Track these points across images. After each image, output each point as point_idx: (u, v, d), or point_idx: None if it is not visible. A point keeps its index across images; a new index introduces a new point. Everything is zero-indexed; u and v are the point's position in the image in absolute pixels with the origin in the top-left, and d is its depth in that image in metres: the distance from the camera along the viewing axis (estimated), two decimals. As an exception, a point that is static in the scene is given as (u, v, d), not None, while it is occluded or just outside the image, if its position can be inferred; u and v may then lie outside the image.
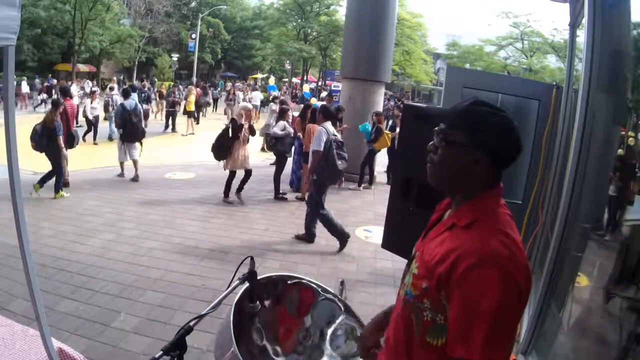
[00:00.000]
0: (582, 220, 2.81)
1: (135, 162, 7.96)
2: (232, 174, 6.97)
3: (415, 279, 1.14)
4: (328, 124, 5.37)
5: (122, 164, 8.20)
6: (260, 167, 10.25)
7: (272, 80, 27.69)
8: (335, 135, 5.30)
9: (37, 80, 23.31)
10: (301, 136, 7.29)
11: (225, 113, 19.08)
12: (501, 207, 1.13)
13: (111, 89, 16.13)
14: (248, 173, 6.97)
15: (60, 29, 27.74)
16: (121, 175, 8.24)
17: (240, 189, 7.02)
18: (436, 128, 1.16)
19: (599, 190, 2.73)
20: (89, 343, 3.06)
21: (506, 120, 1.11)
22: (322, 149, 5.12)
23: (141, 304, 3.70)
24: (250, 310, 1.61)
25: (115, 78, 21.34)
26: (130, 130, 7.78)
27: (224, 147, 6.71)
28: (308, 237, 5.48)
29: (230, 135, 6.64)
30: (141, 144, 8.06)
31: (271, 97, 16.19)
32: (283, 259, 4.88)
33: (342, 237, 5.26)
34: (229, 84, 27.20)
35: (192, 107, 14.69)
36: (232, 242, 5.27)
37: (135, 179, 7.99)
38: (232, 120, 6.84)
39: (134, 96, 9.30)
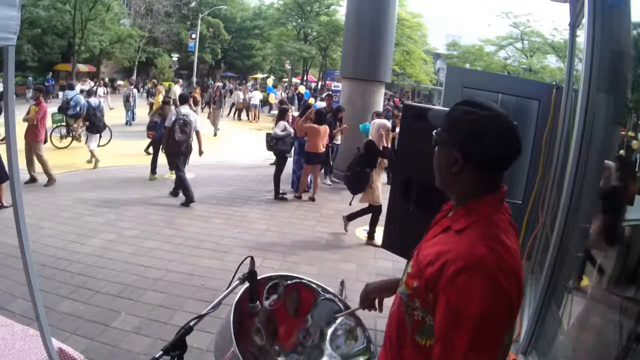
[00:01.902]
0: (582, 220, 2.81)
1: (92, 152, 9.03)
2: (378, 210, 5.46)
3: (408, 277, 1.15)
4: (182, 107, 6.86)
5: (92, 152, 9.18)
6: (260, 167, 10.27)
7: (270, 81, 27.34)
8: (185, 116, 6.64)
9: (29, 79, 23.33)
10: (302, 127, 7.25)
11: (209, 117, 15.70)
12: (499, 212, 1.11)
13: (131, 83, 19.30)
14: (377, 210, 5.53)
15: (60, 29, 27.70)
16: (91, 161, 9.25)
17: (371, 232, 5.54)
18: (434, 132, 1.18)
19: (599, 190, 2.73)
20: (89, 343, 3.06)
21: (482, 119, 1.06)
22: (170, 125, 6.61)
23: (141, 304, 3.70)
24: (250, 310, 1.60)
25: (146, 78, 22.79)
26: (93, 123, 9.11)
27: (364, 177, 5.39)
28: (187, 199, 6.68)
29: (367, 162, 5.38)
30: (100, 136, 9.59)
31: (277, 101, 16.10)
32: (283, 259, 4.88)
33: (189, 199, 6.69)
34: (217, 84, 25.92)
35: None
36: (232, 242, 5.27)
37: (94, 165, 9.02)
38: (369, 143, 5.43)
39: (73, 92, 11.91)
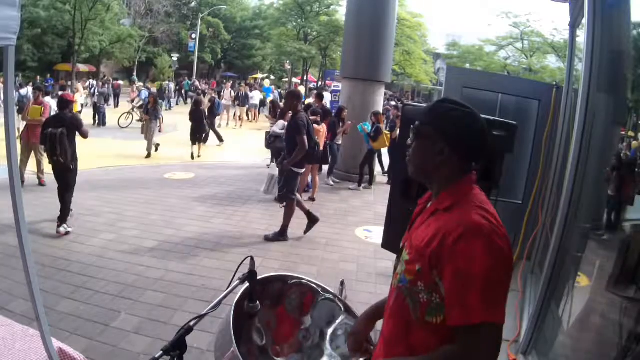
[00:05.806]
0: (582, 220, 2.81)
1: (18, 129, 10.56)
2: None
3: (407, 264, 1.21)
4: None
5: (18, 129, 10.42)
6: (260, 167, 10.26)
7: (267, 82, 27.17)
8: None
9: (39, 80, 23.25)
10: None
11: (143, 130, 11.11)
12: (475, 189, 1.22)
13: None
14: None
15: (60, 29, 27.66)
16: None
17: None
18: (412, 126, 1.28)
19: (599, 190, 2.73)
20: (89, 343, 3.06)
21: (466, 115, 1.21)
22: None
23: (141, 304, 3.70)
24: (250, 310, 1.60)
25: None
26: (22, 108, 9.93)
27: None
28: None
29: None
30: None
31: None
32: (283, 259, 4.88)
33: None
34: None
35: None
36: (232, 243, 5.27)
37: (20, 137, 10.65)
38: None
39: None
